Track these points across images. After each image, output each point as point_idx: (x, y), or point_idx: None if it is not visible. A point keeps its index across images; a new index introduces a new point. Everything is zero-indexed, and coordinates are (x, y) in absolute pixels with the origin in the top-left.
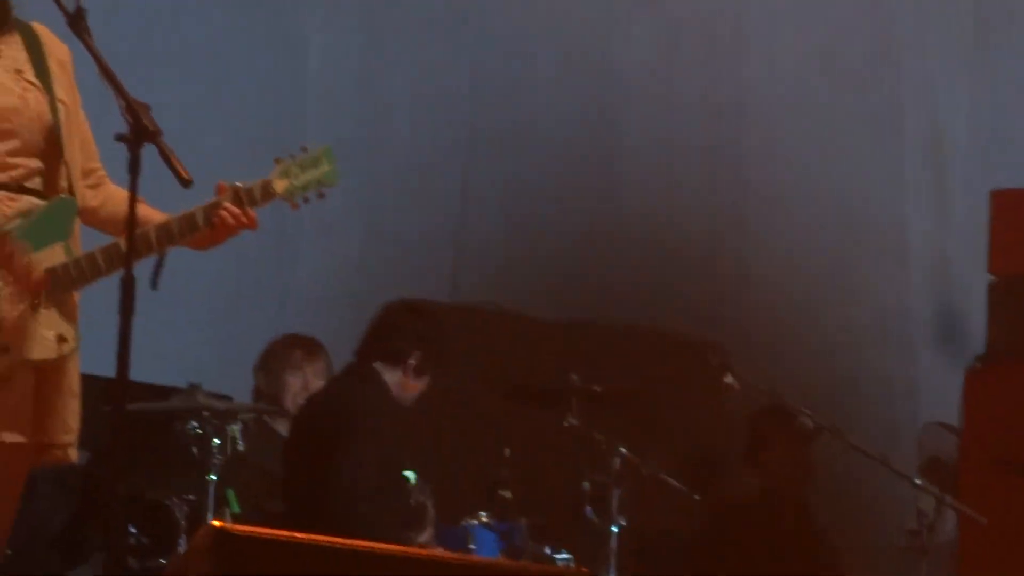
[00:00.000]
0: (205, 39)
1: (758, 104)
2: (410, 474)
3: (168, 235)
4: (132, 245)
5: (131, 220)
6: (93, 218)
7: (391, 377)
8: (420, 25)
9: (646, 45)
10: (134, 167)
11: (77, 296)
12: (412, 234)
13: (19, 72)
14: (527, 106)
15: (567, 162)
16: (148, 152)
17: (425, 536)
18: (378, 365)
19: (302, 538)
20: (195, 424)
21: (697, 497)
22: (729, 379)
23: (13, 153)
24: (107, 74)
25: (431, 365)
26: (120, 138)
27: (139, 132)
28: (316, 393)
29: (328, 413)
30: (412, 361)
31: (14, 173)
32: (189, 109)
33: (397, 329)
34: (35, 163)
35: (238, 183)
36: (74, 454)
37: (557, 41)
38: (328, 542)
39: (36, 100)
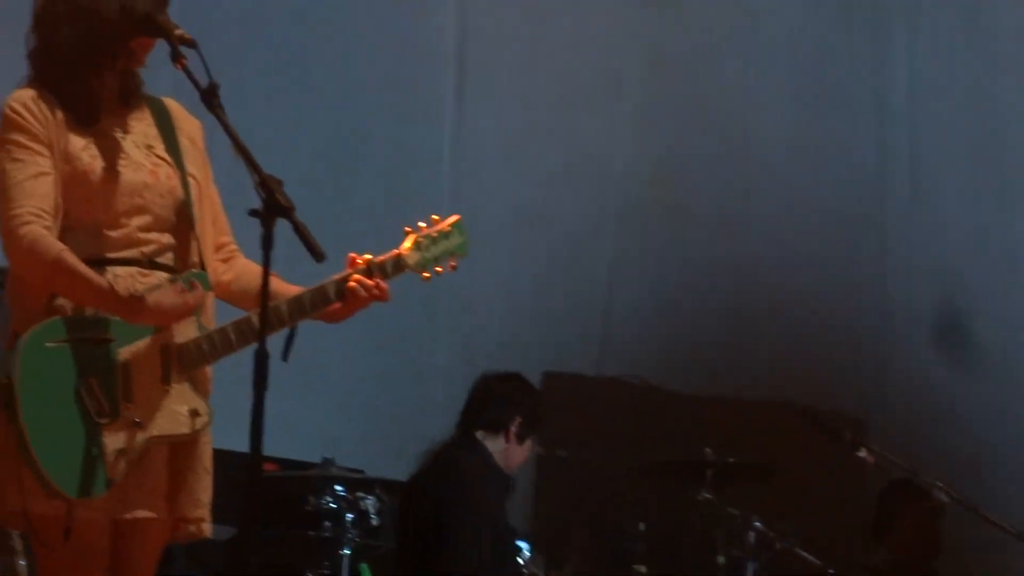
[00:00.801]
0: (349, 112)
1: (899, 173)
2: (524, 544)
3: (300, 308)
4: (265, 319)
5: (264, 295)
6: (225, 292)
7: (494, 446)
8: (576, 100)
9: (786, 117)
10: (267, 242)
11: (210, 370)
12: (559, 307)
13: (150, 147)
14: (676, 182)
15: (710, 238)
16: (281, 227)
17: None
18: (480, 435)
19: None
20: (329, 499)
21: (831, 571)
22: (863, 453)
23: (145, 228)
24: (240, 149)
25: (531, 430)
26: (253, 213)
27: (272, 207)
28: (422, 467)
29: (436, 486)
30: (512, 428)
31: (146, 249)
32: (323, 181)
33: (494, 398)
34: (167, 238)
35: (369, 255)
36: (208, 529)
37: (702, 116)
38: None
39: (167, 175)
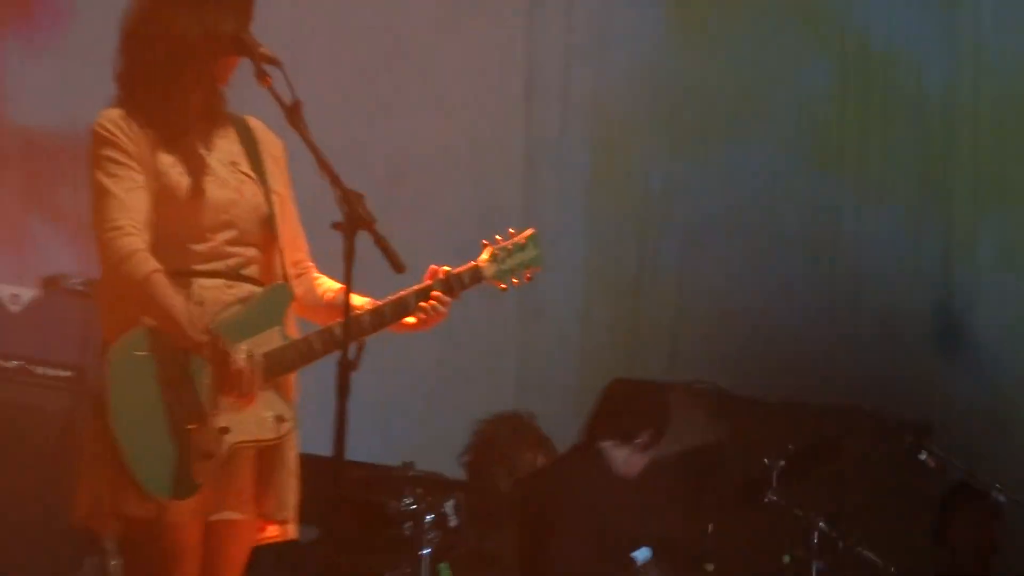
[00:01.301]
0: (422, 128)
1: (967, 180)
2: (638, 554)
3: (381, 319)
4: (348, 328)
5: (347, 304)
6: (295, 306)
7: (618, 455)
8: (642, 119)
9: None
10: (349, 255)
11: (294, 377)
12: (629, 314)
13: (234, 164)
14: (741, 192)
15: (778, 246)
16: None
17: None
18: (606, 444)
19: None
20: (409, 501)
21: (894, 571)
22: (924, 456)
23: (231, 243)
24: (323, 164)
25: (655, 441)
26: (336, 226)
27: (354, 220)
28: (539, 472)
29: (542, 494)
30: (640, 439)
31: (231, 262)
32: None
33: (627, 408)
34: (251, 252)
35: (447, 267)
36: (293, 531)
37: (768, 125)
38: None
39: (252, 192)
